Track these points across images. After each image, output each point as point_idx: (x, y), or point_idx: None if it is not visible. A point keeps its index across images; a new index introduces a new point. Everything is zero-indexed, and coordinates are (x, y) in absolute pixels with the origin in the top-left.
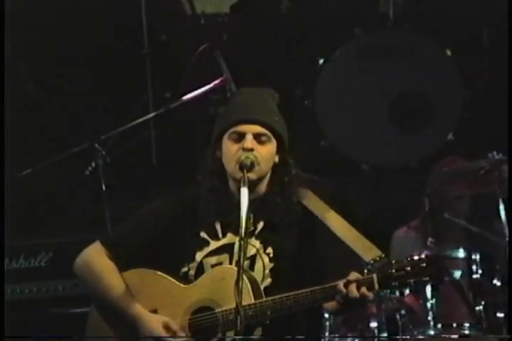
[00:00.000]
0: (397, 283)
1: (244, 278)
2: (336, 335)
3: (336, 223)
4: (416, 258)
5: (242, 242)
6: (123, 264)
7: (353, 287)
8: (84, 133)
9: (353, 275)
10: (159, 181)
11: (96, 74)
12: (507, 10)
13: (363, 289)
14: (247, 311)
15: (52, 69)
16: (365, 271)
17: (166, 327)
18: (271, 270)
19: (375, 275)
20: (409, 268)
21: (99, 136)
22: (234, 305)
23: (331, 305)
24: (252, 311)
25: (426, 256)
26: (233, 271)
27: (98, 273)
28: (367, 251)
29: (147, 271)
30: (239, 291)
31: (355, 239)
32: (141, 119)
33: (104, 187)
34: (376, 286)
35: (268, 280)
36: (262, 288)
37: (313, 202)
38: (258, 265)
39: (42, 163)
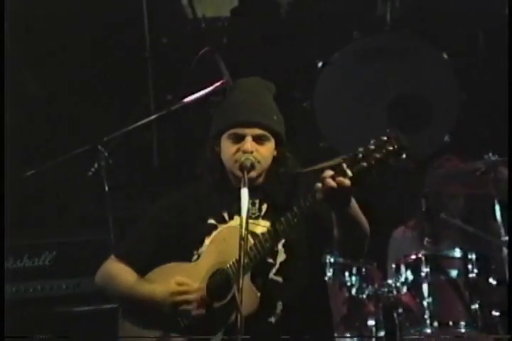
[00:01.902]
0: (364, 164)
1: (254, 245)
2: (336, 335)
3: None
4: (376, 137)
5: (243, 242)
6: (141, 269)
7: (328, 179)
8: (87, 135)
9: (327, 172)
10: (160, 182)
11: (98, 77)
12: (507, 11)
13: (339, 178)
14: (250, 253)
15: (54, 71)
16: None
17: (178, 283)
18: (283, 245)
19: (343, 163)
20: (372, 147)
21: (102, 138)
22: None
23: (336, 236)
24: (254, 250)
25: (389, 132)
26: (231, 229)
27: (116, 277)
28: (335, 160)
29: (161, 266)
30: (239, 289)
31: (331, 162)
32: (143, 121)
33: (106, 188)
34: (348, 172)
35: (283, 256)
36: (277, 262)
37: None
38: (267, 241)
39: (45, 164)
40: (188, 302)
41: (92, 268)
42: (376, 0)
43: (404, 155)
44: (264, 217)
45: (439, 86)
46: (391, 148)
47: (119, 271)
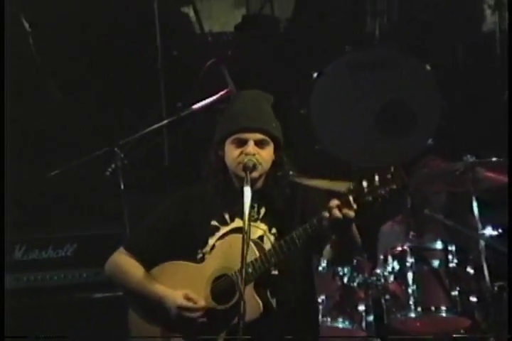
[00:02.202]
0: (369, 198)
1: (252, 245)
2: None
3: (315, 182)
4: (382, 173)
5: (246, 236)
6: (147, 262)
7: (335, 210)
8: (105, 139)
9: (333, 202)
10: (171, 180)
11: (116, 86)
12: (507, 11)
13: (344, 209)
14: (255, 264)
15: (77, 82)
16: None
17: (186, 297)
18: (279, 248)
19: (350, 196)
20: (377, 183)
21: (118, 141)
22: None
23: (327, 252)
24: (259, 262)
25: (390, 169)
26: (236, 237)
27: (125, 272)
28: (342, 186)
29: (167, 263)
30: (242, 280)
31: (332, 184)
32: (155, 126)
33: (122, 186)
34: (354, 205)
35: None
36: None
37: (297, 178)
38: (267, 243)
39: (68, 164)
40: (192, 315)
41: (108, 257)
42: (366, 17)
43: (395, 187)
44: (262, 220)
45: (422, 95)
46: (394, 186)
47: (126, 263)
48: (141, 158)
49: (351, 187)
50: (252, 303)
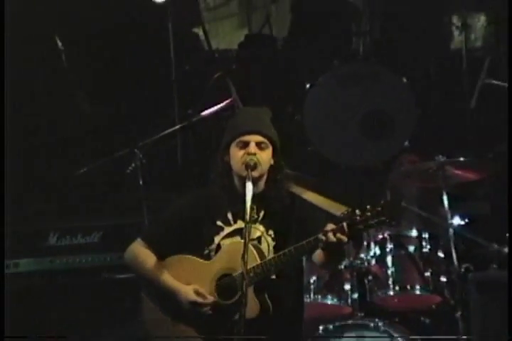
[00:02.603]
0: (361, 227)
1: (252, 248)
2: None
3: (313, 198)
4: (374, 205)
5: (248, 225)
6: (160, 253)
7: (330, 234)
8: (126, 141)
9: (329, 226)
10: (183, 178)
11: (136, 96)
12: (507, 11)
13: (338, 234)
14: (256, 269)
15: (104, 93)
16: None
17: (197, 292)
18: (274, 247)
19: (344, 223)
20: (369, 214)
21: (138, 144)
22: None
23: (318, 257)
24: (260, 269)
25: (381, 202)
26: (240, 242)
27: (141, 262)
28: (337, 209)
29: (178, 256)
30: (245, 263)
31: (329, 204)
32: (169, 130)
33: (141, 182)
34: (346, 231)
35: (272, 255)
36: (267, 256)
37: (296, 189)
38: (264, 244)
39: (95, 163)
40: (202, 309)
41: (128, 244)
42: (351, 37)
43: (384, 219)
44: (261, 222)
45: (399, 103)
46: (383, 218)
47: (141, 253)
48: (158, 158)
49: (346, 213)
50: (251, 304)
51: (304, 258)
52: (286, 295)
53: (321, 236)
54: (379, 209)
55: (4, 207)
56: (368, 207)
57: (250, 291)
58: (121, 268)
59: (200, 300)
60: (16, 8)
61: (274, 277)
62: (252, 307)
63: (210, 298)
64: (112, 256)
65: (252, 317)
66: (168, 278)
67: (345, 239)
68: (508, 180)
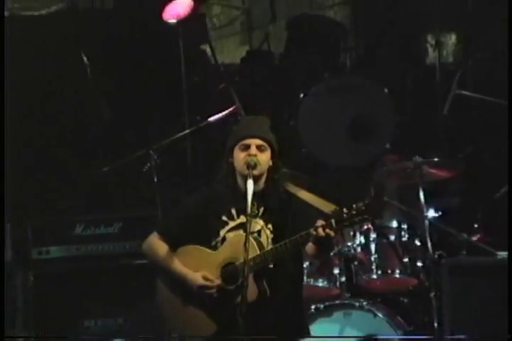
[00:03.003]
0: (347, 223)
1: (253, 240)
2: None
3: (307, 196)
4: (359, 204)
5: (249, 220)
6: (172, 244)
7: (319, 230)
8: (143, 144)
9: (319, 222)
10: (192, 176)
11: (151, 104)
12: (507, 12)
13: (327, 230)
14: (256, 259)
15: (122, 101)
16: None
17: (205, 278)
18: (272, 239)
19: (332, 220)
20: (354, 212)
21: (153, 146)
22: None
23: (310, 249)
24: (259, 259)
25: (365, 202)
26: (242, 235)
27: (156, 252)
28: (327, 207)
29: (188, 246)
30: (247, 253)
31: (320, 202)
32: (180, 134)
33: (155, 180)
34: (334, 227)
35: (270, 247)
36: (266, 248)
37: (292, 188)
38: (263, 237)
39: (116, 163)
40: (209, 291)
41: (146, 234)
42: (339, 52)
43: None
44: (260, 217)
45: (381, 110)
46: (366, 216)
47: (156, 244)
48: (170, 159)
49: (334, 211)
50: (251, 289)
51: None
52: (282, 282)
53: (312, 231)
54: (363, 208)
55: (4, 207)
56: (354, 205)
57: (250, 278)
58: (137, 255)
59: (207, 284)
60: (50, 29)
61: (271, 266)
62: (251, 291)
63: (216, 282)
64: (129, 244)
65: (252, 300)
66: (179, 266)
67: (332, 233)
68: (508, 180)
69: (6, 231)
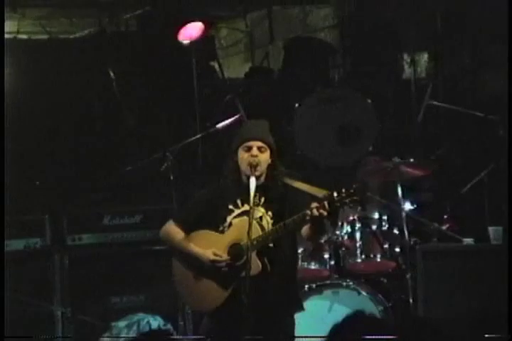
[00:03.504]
0: (338, 204)
1: (256, 224)
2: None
3: (301, 185)
4: (347, 188)
5: (252, 208)
6: (186, 229)
7: (314, 210)
8: (161, 146)
9: (313, 204)
10: (203, 175)
11: (168, 112)
12: (507, 12)
13: (320, 210)
14: (258, 240)
15: (145, 110)
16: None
17: (214, 253)
18: (272, 224)
19: (325, 202)
20: (344, 194)
21: (169, 148)
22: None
23: (305, 232)
24: (261, 238)
25: (353, 186)
26: (246, 219)
27: (172, 236)
28: (320, 192)
29: (200, 231)
30: (250, 235)
31: (313, 189)
32: (192, 138)
33: (171, 177)
34: (327, 207)
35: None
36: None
37: (288, 180)
38: (264, 222)
39: (138, 163)
40: (219, 265)
41: (163, 223)
42: (329, 68)
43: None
44: (262, 206)
45: (365, 118)
46: (355, 197)
47: (172, 230)
48: (184, 159)
49: (326, 194)
50: (254, 264)
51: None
52: (280, 259)
53: (308, 212)
54: (352, 191)
55: (4, 207)
56: (343, 189)
57: (253, 255)
58: (156, 241)
59: (217, 258)
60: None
61: (271, 245)
62: (254, 267)
63: (224, 256)
64: (149, 233)
65: (255, 274)
66: (192, 246)
67: (325, 214)
68: (508, 181)
69: (45, 221)
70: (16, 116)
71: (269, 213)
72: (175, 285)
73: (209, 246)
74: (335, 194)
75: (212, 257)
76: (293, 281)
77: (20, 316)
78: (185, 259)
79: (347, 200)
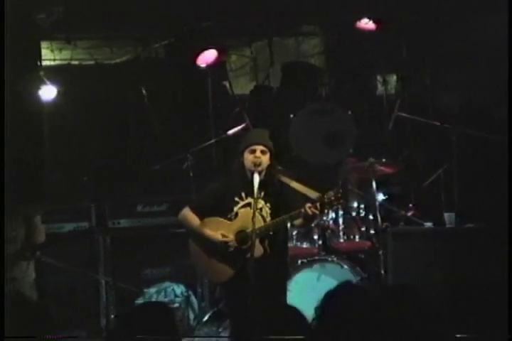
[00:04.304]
0: (327, 206)
1: (258, 214)
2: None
3: (296, 185)
4: (335, 193)
5: (254, 201)
6: (200, 216)
7: (308, 210)
8: (183, 149)
9: (308, 205)
10: (216, 173)
11: (188, 122)
12: (507, 12)
13: (313, 210)
14: (261, 228)
15: (169, 118)
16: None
17: (223, 235)
18: (270, 214)
19: (318, 203)
20: (333, 198)
21: (189, 150)
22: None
23: (297, 222)
24: (262, 228)
25: (339, 191)
26: (250, 211)
27: (189, 220)
28: (311, 193)
29: (211, 217)
30: (253, 223)
31: (307, 190)
32: (208, 142)
33: (191, 174)
34: (319, 208)
35: (269, 219)
36: (267, 220)
37: (285, 179)
38: (264, 212)
39: (164, 162)
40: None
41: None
42: (318, 86)
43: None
44: (262, 199)
45: (346, 126)
46: (342, 201)
47: (189, 215)
48: (201, 159)
49: (319, 197)
50: (257, 248)
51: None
52: (277, 244)
53: (303, 211)
54: (339, 195)
55: (4, 207)
56: (332, 194)
57: (257, 241)
58: (179, 225)
59: (225, 239)
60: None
61: (271, 233)
62: (257, 250)
63: (231, 237)
64: (174, 219)
65: (258, 256)
66: (205, 230)
67: (317, 213)
68: (508, 181)
69: (91, 209)
70: (68, 124)
71: (268, 204)
72: (192, 260)
73: (220, 231)
74: (325, 197)
75: (221, 238)
76: (285, 260)
77: (73, 284)
78: (200, 240)
79: (335, 203)
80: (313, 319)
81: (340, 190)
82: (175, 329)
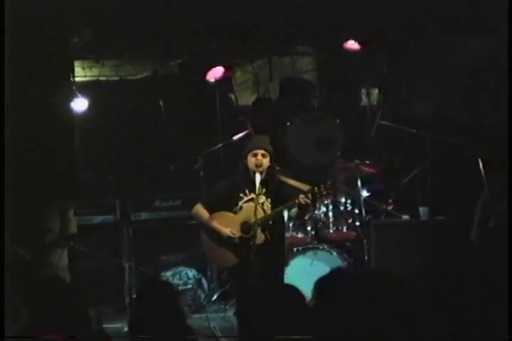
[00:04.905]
0: (318, 196)
1: (259, 208)
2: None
3: (292, 182)
4: (324, 185)
5: (256, 197)
6: (210, 210)
7: (301, 199)
8: (194, 153)
9: (301, 196)
10: (223, 173)
11: (198, 128)
12: (507, 12)
13: (306, 199)
14: (262, 219)
15: (182, 125)
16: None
17: (231, 232)
18: (271, 208)
19: (309, 194)
20: (322, 189)
21: (200, 154)
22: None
23: (293, 213)
24: (264, 218)
25: (328, 183)
26: (253, 205)
27: (200, 215)
28: (305, 187)
29: (220, 212)
30: (256, 216)
31: (300, 185)
32: (215, 147)
33: (201, 174)
34: (310, 198)
35: (269, 212)
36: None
37: (283, 177)
38: (265, 206)
39: (179, 163)
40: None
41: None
42: (310, 98)
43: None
44: (263, 195)
45: (335, 133)
46: (329, 191)
47: (200, 210)
48: (210, 162)
49: (310, 189)
50: (259, 237)
51: (286, 215)
52: (276, 233)
53: (297, 200)
54: (328, 187)
55: (4, 207)
56: (322, 186)
57: (259, 230)
58: (191, 218)
59: (232, 235)
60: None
61: (271, 223)
62: (259, 238)
63: (237, 234)
64: (187, 212)
65: (260, 243)
66: (215, 223)
67: (309, 201)
68: (508, 181)
69: (116, 203)
70: (97, 131)
71: (268, 200)
72: (203, 248)
73: (227, 223)
74: (315, 189)
75: (229, 233)
76: (283, 247)
77: (101, 268)
78: (210, 232)
79: (324, 193)
80: (311, 299)
81: (328, 184)
82: (177, 302)
